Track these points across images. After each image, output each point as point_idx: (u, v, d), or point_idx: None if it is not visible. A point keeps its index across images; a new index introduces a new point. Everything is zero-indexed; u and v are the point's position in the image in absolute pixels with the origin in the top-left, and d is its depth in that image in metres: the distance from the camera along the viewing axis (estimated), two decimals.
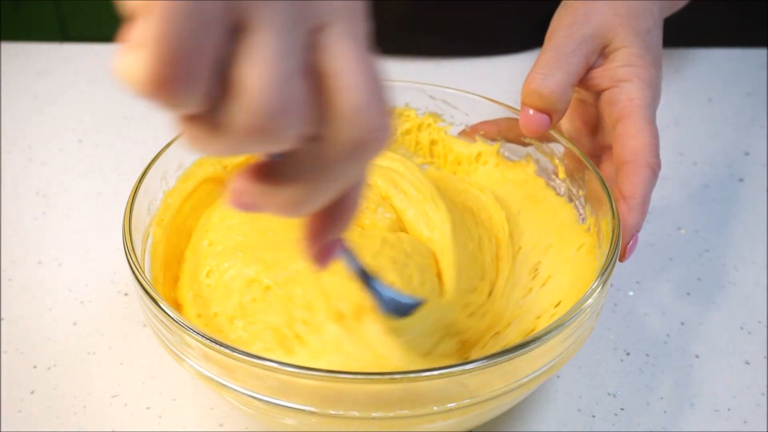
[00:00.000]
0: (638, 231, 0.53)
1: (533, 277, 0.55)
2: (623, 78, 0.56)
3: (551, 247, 0.56)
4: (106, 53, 0.90)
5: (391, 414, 0.44)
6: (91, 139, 0.79)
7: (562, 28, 0.56)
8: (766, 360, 0.59)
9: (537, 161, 0.60)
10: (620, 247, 0.51)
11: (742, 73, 0.86)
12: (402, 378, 0.43)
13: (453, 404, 0.44)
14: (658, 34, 0.59)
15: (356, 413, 0.44)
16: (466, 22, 0.87)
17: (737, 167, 0.75)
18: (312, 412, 0.45)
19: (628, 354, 0.59)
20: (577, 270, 0.54)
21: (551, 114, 0.55)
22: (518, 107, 0.58)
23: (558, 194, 0.59)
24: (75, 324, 0.61)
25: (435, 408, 0.44)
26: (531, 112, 0.55)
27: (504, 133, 0.61)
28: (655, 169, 0.54)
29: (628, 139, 0.54)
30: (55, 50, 0.91)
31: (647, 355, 0.59)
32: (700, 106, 0.82)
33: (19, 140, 0.79)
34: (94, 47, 0.91)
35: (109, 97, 0.84)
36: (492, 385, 0.45)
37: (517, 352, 0.44)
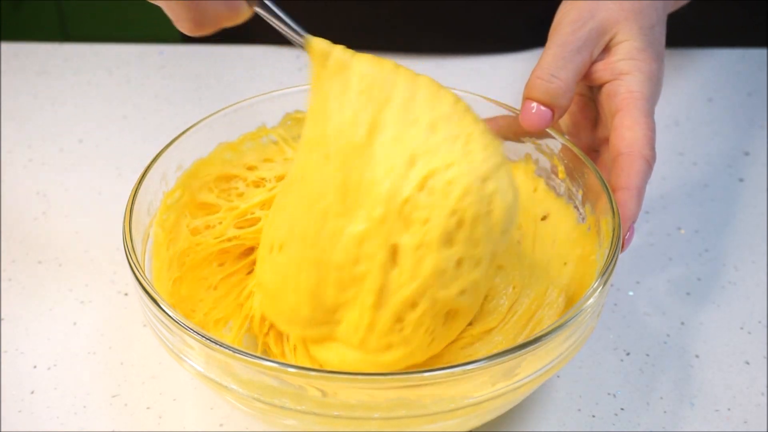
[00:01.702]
0: (634, 222, 0.53)
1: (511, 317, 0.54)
2: (624, 71, 0.56)
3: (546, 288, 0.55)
4: (106, 53, 0.91)
5: (392, 414, 0.44)
6: (91, 139, 0.79)
7: (567, 23, 0.56)
8: (766, 360, 0.59)
9: (536, 161, 0.60)
10: (619, 247, 0.51)
11: (742, 73, 0.86)
12: (402, 378, 0.43)
13: (453, 405, 0.44)
14: (661, 31, 0.59)
15: (356, 414, 0.44)
16: (466, 20, 0.87)
17: (737, 167, 0.75)
18: (312, 413, 0.45)
19: (628, 354, 0.59)
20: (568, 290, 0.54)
21: (555, 109, 0.55)
22: (518, 107, 0.58)
23: (558, 195, 0.59)
24: (75, 324, 0.61)
25: (435, 408, 0.44)
26: (533, 107, 0.55)
27: (503, 131, 0.61)
28: (650, 161, 0.54)
29: (624, 130, 0.54)
30: (55, 50, 0.91)
31: (647, 355, 0.59)
32: (700, 106, 0.82)
33: (19, 140, 0.79)
34: (94, 47, 0.91)
35: (109, 97, 0.84)
36: (493, 386, 0.45)
37: (518, 353, 0.44)
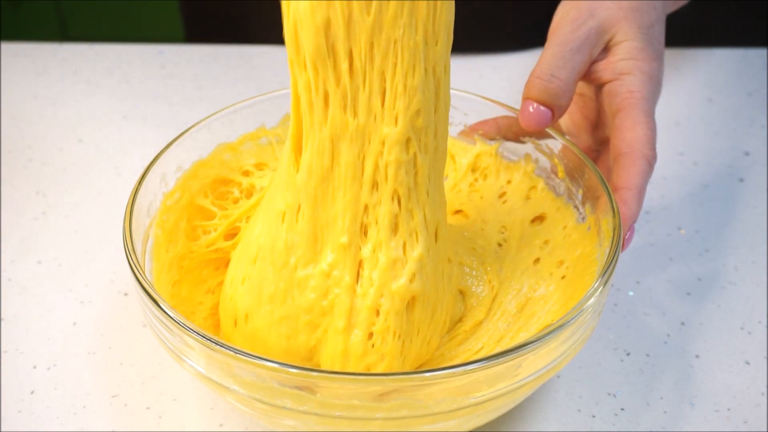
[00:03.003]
0: (634, 222, 0.53)
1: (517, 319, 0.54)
2: (624, 71, 0.56)
3: (543, 281, 0.55)
4: (106, 53, 0.91)
5: (393, 415, 0.44)
6: (91, 139, 0.79)
7: (566, 23, 0.56)
8: (766, 360, 0.59)
9: (536, 160, 0.60)
10: (620, 247, 0.51)
11: (742, 73, 0.86)
12: (403, 378, 0.43)
13: (455, 405, 0.44)
14: (660, 30, 0.59)
15: (357, 414, 0.44)
16: (466, 19, 0.87)
17: (737, 167, 0.75)
18: (312, 413, 0.45)
19: (628, 354, 0.59)
20: (566, 293, 0.54)
21: (554, 109, 0.55)
22: (518, 106, 0.58)
23: (557, 195, 0.59)
24: (75, 324, 0.61)
25: (436, 409, 0.44)
26: (532, 107, 0.55)
27: (503, 131, 0.61)
28: (651, 161, 0.54)
29: (625, 130, 0.54)
30: (55, 50, 0.91)
31: (647, 355, 0.59)
32: (700, 106, 0.82)
33: (19, 140, 0.79)
34: (94, 47, 0.91)
35: (109, 97, 0.84)
36: (494, 386, 0.45)
37: (519, 352, 0.44)
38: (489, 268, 0.56)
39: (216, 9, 0.95)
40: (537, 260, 0.56)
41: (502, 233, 0.58)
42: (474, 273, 0.55)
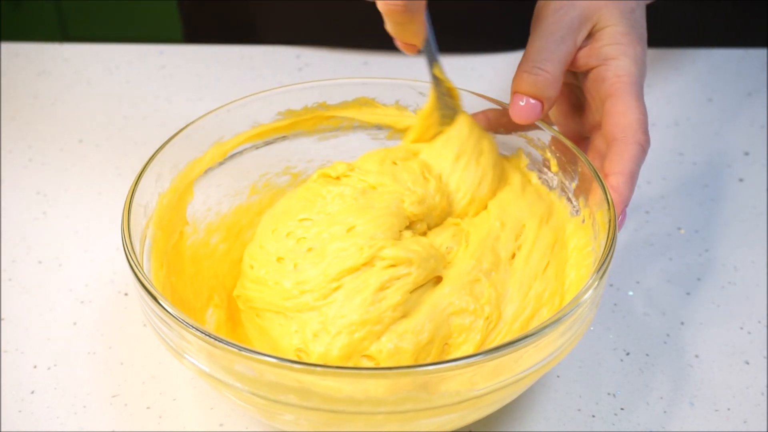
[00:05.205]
0: (626, 206, 0.54)
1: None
2: (610, 56, 0.56)
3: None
4: (106, 53, 0.91)
5: (390, 409, 0.44)
6: (91, 139, 0.79)
7: (549, 13, 0.57)
8: (766, 360, 0.59)
9: (528, 155, 0.60)
10: (615, 240, 0.51)
11: (742, 73, 0.86)
12: (405, 372, 0.43)
13: (458, 398, 0.44)
14: (641, 14, 0.60)
15: (352, 409, 0.44)
16: (464, 18, 0.87)
17: (737, 167, 0.75)
18: (310, 408, 0.45)
19: (628, 354, 0.59)
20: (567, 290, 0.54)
21: (543, 101, 0.56)
22: None
23: (550, 188, 0.59)
24: (75, 324, 0.61)
25: (439, 402, 0.44)
26: (522, 101, 0.56)
27: (493, 124, 0.61)
28: (644, 145, 0.54)
29: (617, 116, 0.55)
30: (55, 50, 0.91)
31: (647, 355, 0.59)
32: (700, 106, 0.82)
33: (19, 140, 0.79)
34: (94, 47, 0.91)
35: (109, 97, 0.84)
36: (490, 380, 0.45)
37: (515, 346, 0.44)
38: (486, 307, 0.51)
39: (215, 9, 0.95)
40: (547, 265, 0.54)
41: (516, 240, 0.55)
42: (464, 321, 0.51)
